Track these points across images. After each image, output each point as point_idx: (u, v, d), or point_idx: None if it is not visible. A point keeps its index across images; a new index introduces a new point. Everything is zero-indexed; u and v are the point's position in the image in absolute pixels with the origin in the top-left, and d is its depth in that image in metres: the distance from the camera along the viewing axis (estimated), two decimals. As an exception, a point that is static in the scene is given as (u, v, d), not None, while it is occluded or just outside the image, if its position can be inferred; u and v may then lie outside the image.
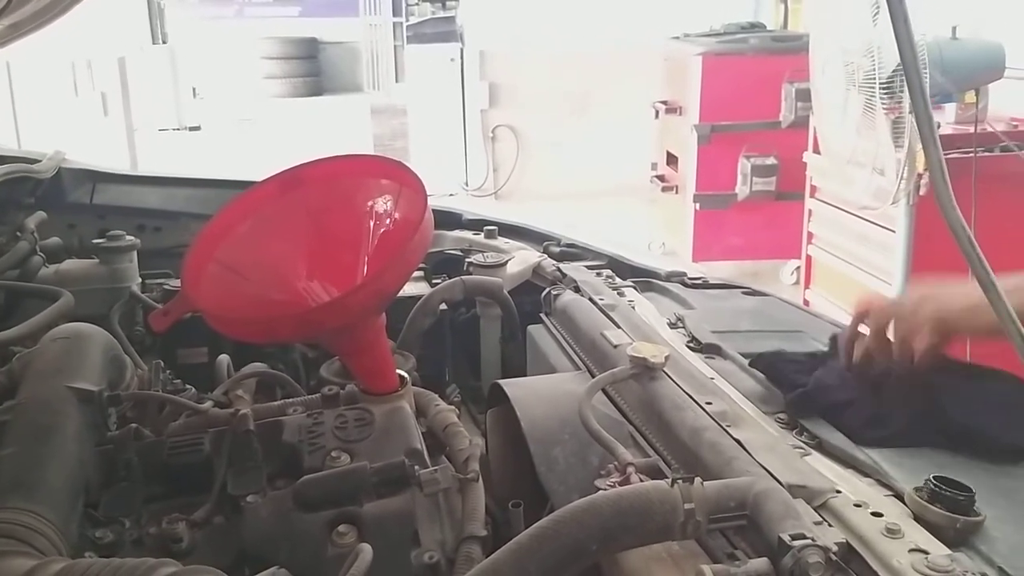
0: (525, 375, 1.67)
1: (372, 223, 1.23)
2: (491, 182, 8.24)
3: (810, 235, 4.61)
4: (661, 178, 6.25)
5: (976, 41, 3.44)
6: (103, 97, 8.32)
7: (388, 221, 1.22)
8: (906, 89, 2.98)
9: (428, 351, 1.67)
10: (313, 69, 15.14)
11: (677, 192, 6.02)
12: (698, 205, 5.72)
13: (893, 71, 3.02)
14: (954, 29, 3.41)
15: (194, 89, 13.24)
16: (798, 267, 5.05)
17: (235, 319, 1.13)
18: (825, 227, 4.46)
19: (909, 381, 1.16)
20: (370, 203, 1.23)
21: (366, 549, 0.83)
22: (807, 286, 4.69)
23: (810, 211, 4.59)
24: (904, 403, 1.13)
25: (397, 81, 10.73)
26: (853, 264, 4.15)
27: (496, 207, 7.65)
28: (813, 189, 4.55)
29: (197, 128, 11.84)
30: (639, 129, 6.70)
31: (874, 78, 3.12)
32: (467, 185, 8.24)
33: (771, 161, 5.47)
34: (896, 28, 0.55)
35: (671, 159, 6.12)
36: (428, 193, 1.18)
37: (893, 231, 3.65)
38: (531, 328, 1.72)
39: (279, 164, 1.29)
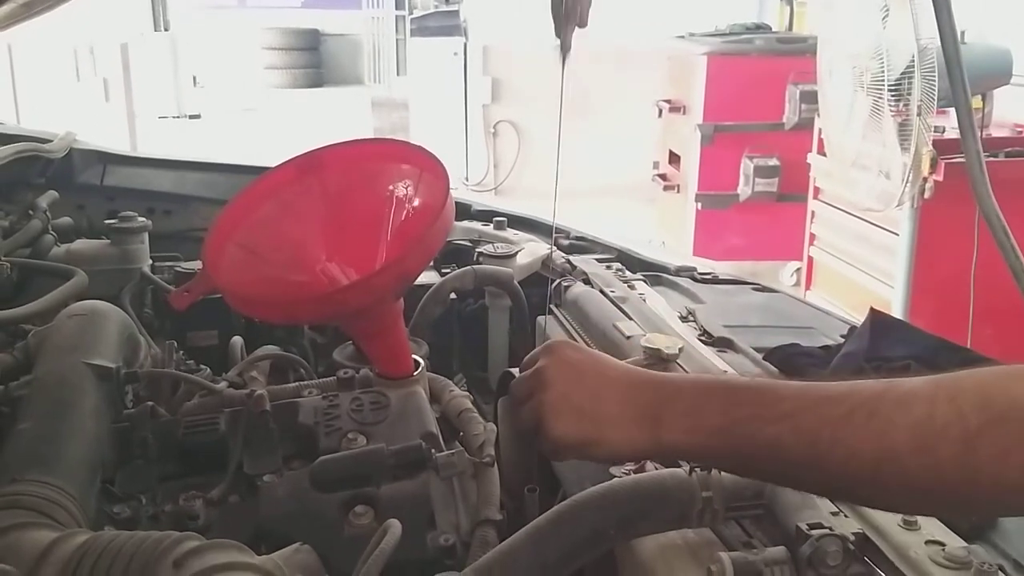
0: (532, 366, 1.67)
1: (392, 207, 1.23)
2: (491, 177, 8.23)
3: (812, 236, 4.62)
4: (663, 177, 6.25)
5: (984, 46, 3.45)
6: (105, 83, 8.31)
7: (408, 206, 1.22)
8: (914, 92, 2.99)
9: (435, 340, 1.67)
10: (314, 60, 15.11)
11: (679, 191, 6.02)
12: (699, 205, 5.72)
13: (901, 74, 3.03)
14: (962, 34, 3.41)
15: (194, 77, 13.20)
16: (798, 268, 5.06)
17: (257, 299, 1.13)
18: (827, 229, 4.47)
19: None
20: (390, 187, 1.23)
21: (395, 525, 0.83)
22: (808, 287, 4.70)
23: (813, 212, 4.60)
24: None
25: (398, 74, 10.72)
26: (855, 266, 4.16)
27: (496, 203, 7.62)
28: (816, 191, 4.55)
29: (197, 116, 11.82)
30: (641, 127, 6.70)
31: (882, 81, 3.12)
32: (467, 180, 8.22)
33: (773, 162, 5.47)
34: (940, 25, 0.56)
35: (673, 158, 6.12)
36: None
37: (896, 234, 3.66)
38: (540, 319, 1.71)
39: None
